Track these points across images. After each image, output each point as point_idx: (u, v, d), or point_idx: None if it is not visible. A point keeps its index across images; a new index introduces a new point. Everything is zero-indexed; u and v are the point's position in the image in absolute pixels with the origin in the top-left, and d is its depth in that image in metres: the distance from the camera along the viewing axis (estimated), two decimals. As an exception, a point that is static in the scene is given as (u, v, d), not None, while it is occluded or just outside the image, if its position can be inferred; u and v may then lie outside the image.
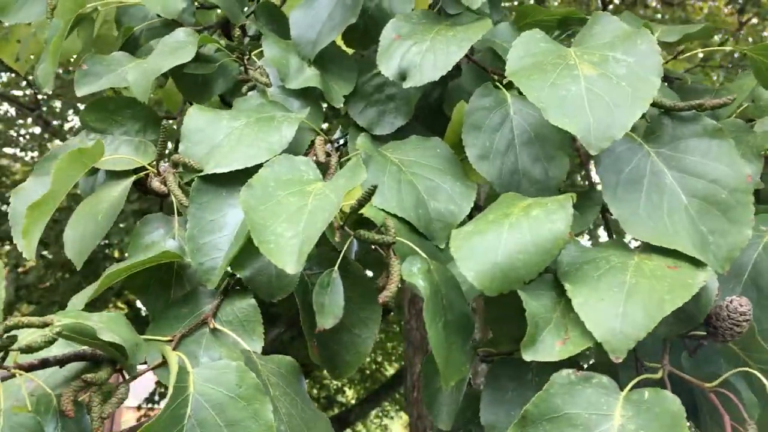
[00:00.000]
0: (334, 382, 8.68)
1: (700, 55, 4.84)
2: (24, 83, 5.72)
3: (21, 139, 5.73)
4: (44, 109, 5.68)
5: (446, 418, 1.21)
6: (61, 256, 5.05)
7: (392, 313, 6.50)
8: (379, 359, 8.56)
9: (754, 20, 4.90)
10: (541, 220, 0.92)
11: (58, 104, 5.74)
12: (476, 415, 1.15)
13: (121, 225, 4.82)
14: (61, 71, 5.07)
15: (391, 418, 9.82)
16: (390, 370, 8.48)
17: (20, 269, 5.17)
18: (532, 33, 1.11)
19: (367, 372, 8.49)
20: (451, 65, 1.17)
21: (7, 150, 5.63)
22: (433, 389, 1.25)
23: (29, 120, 5.70)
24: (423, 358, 1.29)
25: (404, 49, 1.23)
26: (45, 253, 5.02)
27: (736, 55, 4.72)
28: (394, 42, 1.26)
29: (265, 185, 0.97)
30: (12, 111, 5.87)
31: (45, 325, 0.80)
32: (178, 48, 1.35)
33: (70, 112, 5.34)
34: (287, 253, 0.86)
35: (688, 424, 1.17)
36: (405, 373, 4.11)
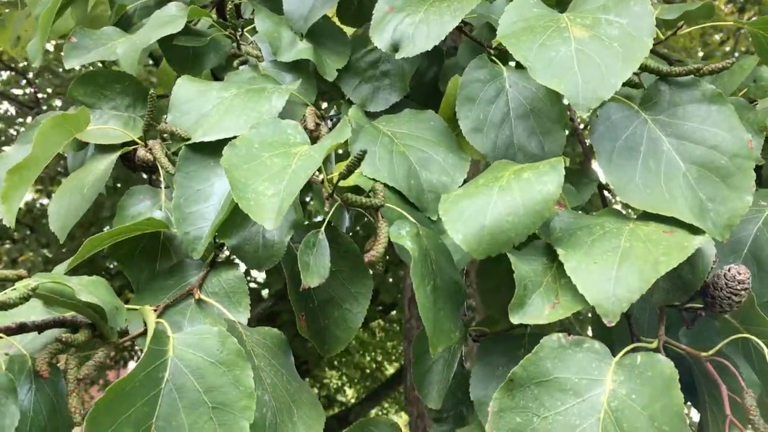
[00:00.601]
0: (334, 381, 8.63)
1: (701, 54, 4.82)
2: (24, 82, 5.72)
3: (21, 138, 5.73)
4: (44, 107, 5.67)
5: (436, 396, 1.18)
6: (61, 255, 5.04)
7: (393, 312, 6.46)
8: (379, 358, 8.52)
9: (755, 19, 4.88)
10: (532, 182, 0.89)
11: (58, 102, 5.74)
12: (467, 396, 1.12)
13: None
14: (61, 70, 5.07)
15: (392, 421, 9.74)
16: (390, 370, 8.43)
17: (19, 267, 5.16)
18: (525, -2, 1.09)
19: (367, 371, 8.44)
20: (444, 35, 1.14)
21: (7, 149, 5.63)
22: (423, 368, 1.22)
23: (29, 119, 5.70)
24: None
25: (397, 21, 1.21)
26: (45, 251, 5.01)
27: (736, 54, 4.69)
28: (387, 14, 1.23)
29: (249, 145, 0.95)
30: (12, 110, 5.87)
31: (18, 278, 0.78)
32: (168, 21, 1.33)
33: (70, 110, 5.34)
34: (267, 210, 0.83)
35: (686, 406, 1.15)
36: (405, 373, 4.08)
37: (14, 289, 0.81)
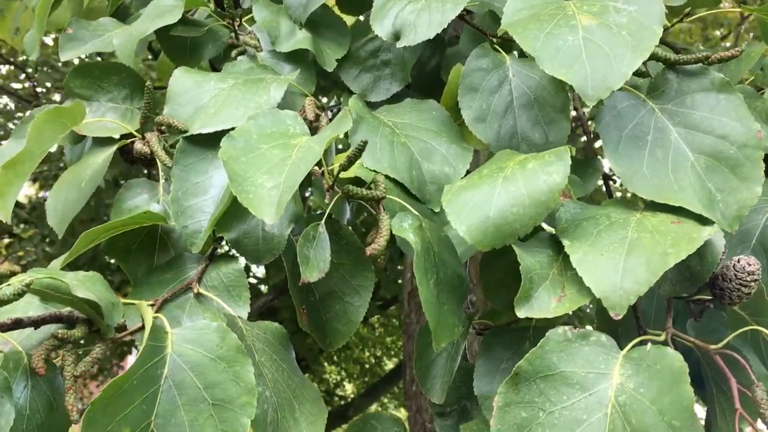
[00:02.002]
0: (333, 376, 8.62)
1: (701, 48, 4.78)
2: (23, 76, 5.69)
3: (19, 133, 5.71)
4: (43, 101, 5.65)
5: (439, 390, 1.16)
6: (63, 251, 5.00)
7: (392, 307, 6.45)
8: (378, 354, 8.50)
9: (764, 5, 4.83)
10: (537, 172, 0.87)
11: (57, 97, 5.71)
12: (471, 390, 1.10)
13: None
14: (60, 64, 5.03)
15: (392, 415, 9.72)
16: (389, 365, 8.42)
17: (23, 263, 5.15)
18: (529, -16, 1.06)
19: (367, 366, 8.42)
20: (446, 23, 1.12)
21: (3, 144, 5.61)
22: (426, 362, 1.20)
23: (28, 113, 5.67)
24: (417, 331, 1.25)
25: (399, 8, 1.19)
26: (45, 246, 4.98)
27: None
28: (388, 2, 1.21)
29: (247, 137, 0.93)
30: (11, 104, 5.84)
31: (12, 274, 0.76)
32: (165, 11, 1.30)
33: (66, 103, 5.30)
34: (266, 203, 0.81)
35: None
36: (404, 368, 4.06)
37: (8, 284, 0.79)
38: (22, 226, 5.21)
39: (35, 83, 5.67)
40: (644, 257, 0.81)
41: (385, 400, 9.07)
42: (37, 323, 0.92)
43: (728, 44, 4.92)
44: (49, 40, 4.91)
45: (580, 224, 0.90)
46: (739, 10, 1.22)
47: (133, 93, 1.33)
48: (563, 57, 0.92)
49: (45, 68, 5.30)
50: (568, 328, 0.81)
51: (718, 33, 4.92)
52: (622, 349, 0.84)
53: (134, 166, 1.32)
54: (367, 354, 8.40)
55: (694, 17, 1.25)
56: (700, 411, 1.10)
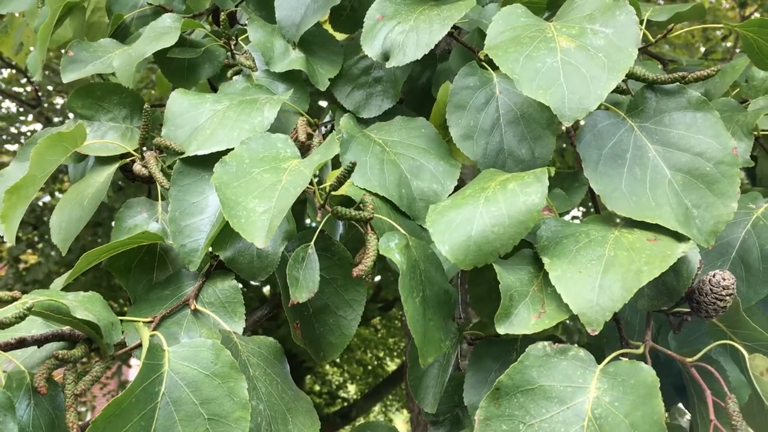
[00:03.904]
0: (336, 378, 8.66)
1: (702, 49, 4.80)
2: (24, 80, 5.74)
3: (22, 137, 5.75)
4: (45, 105, 5.70)
5: (432, 400, 1.20)
6: (70, 255, 5.06)
7: (393, 309, 6.48)
8: (381, 355, 8.55)
9: (756, 15, 4.86)
10: (517, 193, 0.90)
11: (59, 101, 5.77)
12: (463, 399, 1.13)
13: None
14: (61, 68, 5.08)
15: (391, 420, 9.75)
16: (392, 366, 8.46)
17: (23, 264, 5.21)
18: (512, 8, 1.10)
19: (369, 368, 8.47)
20: (433, 44, 1.16)
21: (9, 147, 5.67)
22: (418, 373, 1.24)
23: (30, 117, 5.72)
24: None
25: (388, 29, 1.22)
26: (53, 254, 5.04)
27: (737, 50, 4.68)
28: (377, 23, 1.25)
29: (240, 161, 0.97)
30: (13, 108, 5.89)
31: (13, 299, 0.80)
32: (163, 33, 1.34)
33: (68, 122, 5.31)
34: (257, 227, 0.85)
35: (679, 404, 1.17)
36: (406, 369, 4.10)
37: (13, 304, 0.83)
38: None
39: (37, 87, 5.73)
40: (620, 275, 0.84)
41: (388, 402, 9.11)
42: (40, 342, 0.96)
43: (729, 44, 4.94)
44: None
45: (560, 242, 0.93)
46: (722, 26, 1.25)
47: (132, 112, 1.37)
48: (542, 79, 0.95)
49: (46, 72, 5.34)
50: (547, 344, 0.84)
51: (718, 33, 4.93)
52: (603, 360, 0.87)
53: (134, 182, 1.36)
54: (370, 355, 8.44)
55: (679, 31, 1.28)
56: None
